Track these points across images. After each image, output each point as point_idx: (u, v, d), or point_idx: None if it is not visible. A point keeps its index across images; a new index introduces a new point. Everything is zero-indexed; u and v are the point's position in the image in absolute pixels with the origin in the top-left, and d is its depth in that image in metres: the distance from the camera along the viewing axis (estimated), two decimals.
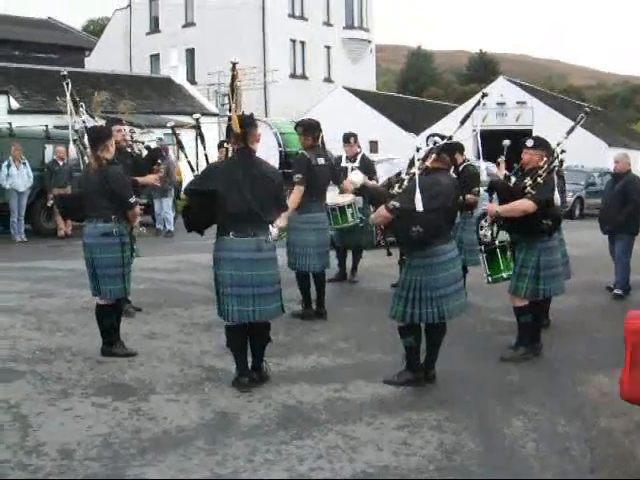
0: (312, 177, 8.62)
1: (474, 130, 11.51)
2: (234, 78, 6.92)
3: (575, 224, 20.81)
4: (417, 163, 6.00)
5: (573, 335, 8.38)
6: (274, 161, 8.76)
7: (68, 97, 8.17)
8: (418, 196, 5.82)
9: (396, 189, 6.14)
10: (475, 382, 6.55)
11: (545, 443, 5.17)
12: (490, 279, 7.93)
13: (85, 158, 8.13)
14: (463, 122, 6.38)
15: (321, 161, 8.79)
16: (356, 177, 10.01)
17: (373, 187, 8.91)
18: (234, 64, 6.82)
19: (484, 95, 6.70)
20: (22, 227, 17.08)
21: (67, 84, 8.12)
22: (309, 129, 8.90)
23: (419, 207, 5.83)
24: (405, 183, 6.10)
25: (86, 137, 7.54)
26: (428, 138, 6.40)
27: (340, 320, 8.83)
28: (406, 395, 6.16)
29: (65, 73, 8.16)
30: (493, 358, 7.23)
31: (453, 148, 7.12)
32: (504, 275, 7.77)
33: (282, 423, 5.48)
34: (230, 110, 6.60)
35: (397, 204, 5.97)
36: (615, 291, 10.61)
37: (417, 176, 5.91)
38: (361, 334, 8.17)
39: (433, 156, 6.14)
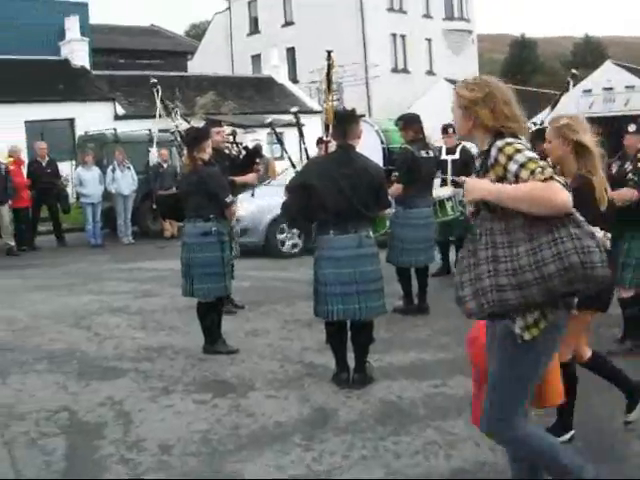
0: (416, 170, 8.53)
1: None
2: (330, 67, 6.85)
3: None
4: None
5: None
6: (378, 158, 8.73)
7: (158, 102, 8.43)
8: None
9: None
10: (580, 376, 6.32)
11: None
12: None
13: (182, 159, 8.31)
14: (553, 107, 6.20)
15: (424, 154, 8.70)
16: (442, 192, 9.98)
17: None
18: (329, 52, 6.76)
19: (573, 76, 6.48)
20: (129, 229, 17.52)
21: (157, 91, 8.35)
22: (409, 122, 8.82)
23: None
24: None
25: (181, 139, 7.72)
26: None
27: (442, 315, 8.69)
28: None
29: (155, 81, 8.41)
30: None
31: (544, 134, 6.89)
32: None
33: (380, 419, 5.43)
34: (325, 102, 6.56)
35: None
36: None
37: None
38: (463, 329, 8.01)
39: None
